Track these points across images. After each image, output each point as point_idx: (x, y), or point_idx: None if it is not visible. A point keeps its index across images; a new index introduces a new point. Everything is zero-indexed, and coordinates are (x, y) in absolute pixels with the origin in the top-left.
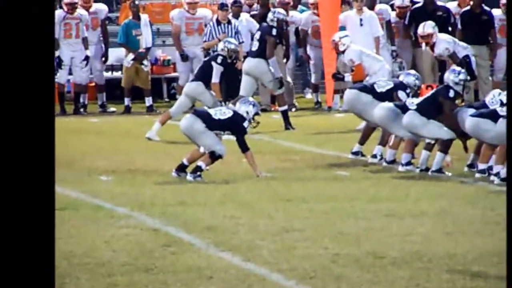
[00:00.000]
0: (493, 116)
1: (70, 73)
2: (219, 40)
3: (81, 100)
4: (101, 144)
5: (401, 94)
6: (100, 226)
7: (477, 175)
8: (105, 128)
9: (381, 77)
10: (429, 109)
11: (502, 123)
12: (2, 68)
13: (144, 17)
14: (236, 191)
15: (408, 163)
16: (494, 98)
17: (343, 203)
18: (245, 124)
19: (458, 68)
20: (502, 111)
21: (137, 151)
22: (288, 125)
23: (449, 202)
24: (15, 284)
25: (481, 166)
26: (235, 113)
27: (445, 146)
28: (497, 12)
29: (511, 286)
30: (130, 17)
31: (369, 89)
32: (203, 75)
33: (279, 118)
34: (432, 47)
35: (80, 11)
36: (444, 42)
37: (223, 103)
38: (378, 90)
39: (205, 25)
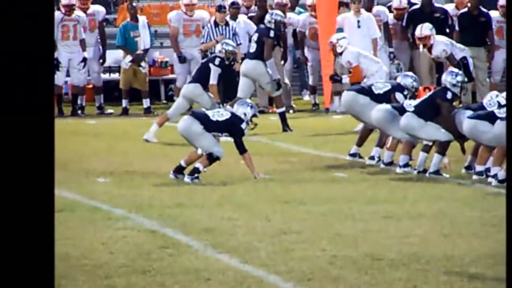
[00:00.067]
0: (491, 118)
1: (68, 75)
2: (217, 42)
3: (79, 101)
4: (99, 146)
5: (398, 96)
6: (97, 228)
7: (475, 177)
8: (102, 130)
9: (379, 79)
10: (426, 111)
11: (499, 125)
12: (2, 69)
13: (142, 19)
14: (233, 193)
15: (406, 165)
16: (492, 100)
17: (341, 205)
18: (243, 126)
19: (456, 70)
20: (500, 113)
21: (135, 153)
22: (285, 127)
23: (446, 204)
24: (15, 285)
25: (479, 168)
26: (233, 114)
27: (442, 148)
28: (495, 14)
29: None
30: (128, 19)
31: (367, 91)
32: (201, 77)
33: (277, 120)
34: (429, 49)
35: (77, 13)
36: (442, 44)
37: (221, 105)
38: (376, 92)
39: (203, 27)
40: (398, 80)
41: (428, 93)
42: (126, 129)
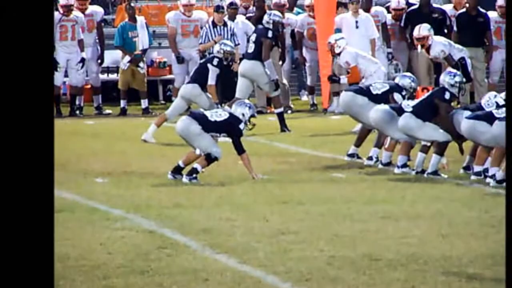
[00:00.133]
0: (489, 118)
1: (66, 75)
2: (215, 42)
3: (77, 102)
4: (97, 146)
5: (396, 96)
6: (95, 228)
7: (473, 177)
8: (101, 130)
9: (377, 79)
10: (425, 112)
11: (497, 125)
12: (1, 69)
13: (141, 19)
14: (232, 193)
15: (404, 165)
16: (490, 100)
17: (339, 205)
18: (241, 126)
19: (454, 70)
20: (498, 113)
21: (133, 153)
22: (284, 127)
23: (445, 204)
24: (15, 286)
25: (477, 168)
26: (231, 115)
27: (440, 148)
28: (493, 15)
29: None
30: (126, 20)
31: (365, 91)
32: (199, 77)
33: (275, 120)
34: (427, 49)
35: (75, 13)
36: (440, 45)
37: (219, 106)
38: (374, 92)
39: (201, 28)
40: (396, 80)
41: (426, 94)
42: (124, 130)
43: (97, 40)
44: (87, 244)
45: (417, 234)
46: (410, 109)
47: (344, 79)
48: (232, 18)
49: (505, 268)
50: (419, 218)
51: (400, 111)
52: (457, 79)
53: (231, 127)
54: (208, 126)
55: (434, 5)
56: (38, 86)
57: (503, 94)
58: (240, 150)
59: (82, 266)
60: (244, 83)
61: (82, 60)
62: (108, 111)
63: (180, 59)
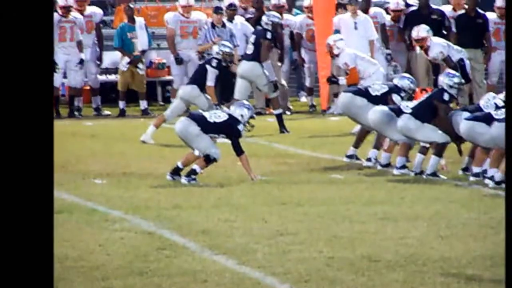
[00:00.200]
0: (488, 119)
1: (65, 77)
2: (214, 44)
3: (76, 103)
4: (96, 148)
5: (395, 97)
6: (94, 230)
7: (472, 178)
8: (99, 132)
9: (376, 81)
10: (423, 113)
11: (496, 127)
12: (1, 70)
13: (140, 20)
14: (230, 195)
15: (403, 167)
16: (489, 101)
17: (338, 206)
18: (240, 127)
19: (453, 72)
20: (497, 114)
21: (132, 154)
22: (283, 128)
23: (443, 206)
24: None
25: (476, 169)
26: (230, 116)
27: (439, 150)
28: (492, 16)
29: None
30: (125, 21)
31: (364, 93)
32: (198, 79)
33: (274, 121)
34: (426, 50)
35: (74, 15)
36: (438, 46)
37: (218, 107)
38: (373, 93)
39: (200, 29)
40: (395, 81)
41: (425, 95)
42: (123, 131)
43: (96, 41)
44: (86, 245)
45: (416, 235)
46: (409, 111)
47: (343, 80)
48: (231, 19)
49: (505, 268)
50: (418, 219)
51: (399, 112)
52: (456, 80)
53: (230, 128)
54: (207, 127)
55: (433, 6)
56: (38, 88)
57: (501, 95)
58: (239, 151)
59: (81, 267)
60: (243, 84)
61: (81, 61)
62: (107, 112)
63: (179, 60)
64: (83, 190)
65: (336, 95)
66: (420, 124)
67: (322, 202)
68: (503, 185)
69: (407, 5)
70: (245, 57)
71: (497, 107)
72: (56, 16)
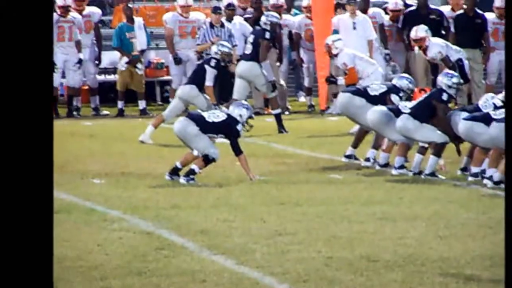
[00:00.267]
0: (486, 119)
1: (63, 76)
2: (212, 44)
3: (74, 103)
4: (94, 147)
5: (394, 97)
6: (93, 229)
7: (470, 178)
8: (98, 131)
9: (374, 81)
10: (422, 113)
11: (495, 127)
12: (1, 71)
13: (138, 20)
14: (229, 195)
15: (401, 167)
16: (487, 101)
17: (337, 206)
18: (239, 127)
19: (451, 72)
20: (495, 114)
21: (130, 154)
22: (281, 128)
23: (442, 206)
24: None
25: (474, 169)
26: (229, 116)
27: (438, 150)
28: (491, 16)
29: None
30: (124, 21)
31: (362, 93)
32: (197, 79)
33: (273, 122)
34: (424, 50)
35: (73, 14)
36: (437, 46)
37: (216, 107)
38: (371, 93)
39: (198, 29)
40: (394, 81)
41: (424, 95)
42: (122, 131)
43: (95, 41)
44: (85, 245)
45: (414, 235)
46: (408, 111)
47: (341, 80)
48: (230, 19)
49: (505, 268)
50: (416, 219)
51: (397, 112)
52: (455, 80)
53: (228, 128)
54: (206, 127)
55: (432, 6)
56: (37, 88)
57: (500, 96)
58: (237, 151)
59: (79, 267)
60: (241, 84)
61: (80, 61)
62: (105, 112)
63: (178, 60)
64: (81, 190)
65: (335, 95)
66: (419, 124)
67: (320, 202)
68: (502, 185)
69: (406, 5)
70: (244, 57)
71: (496, 107)
72: (54, 16)
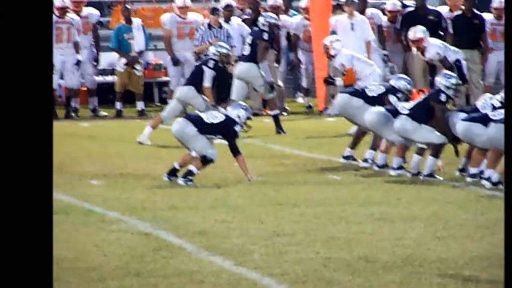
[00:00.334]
0: (484, 120)
1: (62, 78)
2: (211, 45)
3: (73, 104)
4: (92, 148)
5: (392, 98)
6: (91, 230)
7: (469, 179)
8: (96, 133)
9: (372, 82)
10: (420, 114)
11: (493, 128)
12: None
13: (137, 21)
14: (227, 195)
15: (400, 168)
16: (486, 102)
17: (335, 207)
18: (237, 128)
19: (450, 73)
20: (494, 115)
21: (129, 155)
22: (279, 129)
23: (440, 206)
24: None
25: (473, 170)
26: (227, 117)
27: (436, 151)
28: (488, 17)
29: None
30: (122, 22)
31: (360, 94)
32: (195, 80)
33: (271, 122)
34: (422, 51)
35: (71, 16)
36: (435, 47)
37: (215, 107)
38: (369, 94)
39: (196, 30)
40: (392, 82)
41: (422, 96)
42: (120, 132)
43: (93, 42)
44: (83, 246)
45: (412, 236)
46: (406, 112)
47: (339, 81)
48: (228, 20)
49: (504, 269)
50: (414, 220)
51: (395, 113)
52: (453, 81)
53: (226, 129)
54: (204, 128)
55: (430, 7)
56: (37, 89)
57: (498, 96)
58: (235, 152)
59: (78, 268)
60: (239, 85)
61: (78, 62)
62: (103, 113)
63: (176, 61)
64: (79, 191)
65: (333, 96)
66: (417, 125)
67: (318, 203)
68: (500, 186)
69: (404, 6)
70: (242, 58)
71: (494, 108)
72: (53, 17)
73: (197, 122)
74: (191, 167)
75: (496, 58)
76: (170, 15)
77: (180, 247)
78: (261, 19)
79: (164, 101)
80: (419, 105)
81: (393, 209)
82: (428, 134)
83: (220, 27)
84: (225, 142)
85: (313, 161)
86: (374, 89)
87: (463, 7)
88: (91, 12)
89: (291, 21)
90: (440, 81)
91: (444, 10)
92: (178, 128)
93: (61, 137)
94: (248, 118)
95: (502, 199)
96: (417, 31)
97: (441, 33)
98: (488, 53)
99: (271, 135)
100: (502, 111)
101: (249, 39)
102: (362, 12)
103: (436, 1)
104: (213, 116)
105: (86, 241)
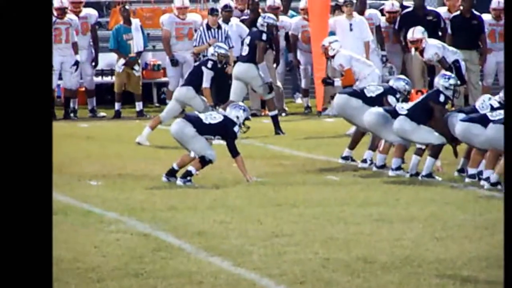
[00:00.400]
0: (483, 121)
1: (60, 78)
2: (209, 45)
3: (71, 105)
4: (91, 149)
5: (391, 99)
6: (90, 231)
7: (467, 180)
8: (95, 133)
9: (371, 82)
10: (419, 114)
11: (492, 128)
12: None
13: (136, 22)
14: (226, 196)
15: (398, 168)
16: (484, 102)
17: (333, 207)
18: (236, 128)
19: (448, 73)
20: (492, 116)
21: (127, 156)
22: (278, 130)
23: (439, 207)
24: None
25: (471, 171)
26: (226, 117)
27: (435, 151)
28: (487, 17)
29: None
30: (121, 22)
31: (359, 94)
32: (194, 80)
33: (269, 123)
34: (421, 52)
35: (70, 16)
36: (433, 47)
37: (213, 108)
38: (368, 95)
39: (195, 30)
40: (391, 83)
41: (421, 96)
42: (119, 132)
43: (92, 43)
44: (81, 247)
45: (411, 236)
46: (405, 112)
47: (338, 82)
48: (227, 20)
49: (504, 270)
50: (413, 220)
51: (394, 113)
52: (452, 81)
53: (225, 130)
54: (203, 128)
55: (428, 7)
56: (36, 90)
57: (497, 97)
58: (234, 152)
59: (76, 269)
60: (238, 85)
61: (77, 63)
62: (102, 114)
63: (174, 62)
64: (78, 191)
65: (332, 96)
66: (416, 125)
67: (317, 203)
68: (499, 187)
69: (403, 7)
70: (241, 58)
71: (493, 109)
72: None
73: (196, 122)
74: (190, 168)
75: (495, 58)
76: (168, 15)
77: (179, 247)
78: (260, 20)
79: (163, 102)
80: (418, 106)
81: (391, 210)
82: (427, 134)
83: (219, 27)
84: (224, 142)
85: (312, 161)
86: (373, 89)
87: (461, 7)
88: (89, 12)
89: (290, 22)
90: (438, 81)
91: (442, 10)
92: (177, 128)
93: (59, 138)
94: (247, 119)
95: (501, 199)
96: (415, 32)
97: (440, 33)
98: (487, 53)
99: (270, 136)
100: (501, 111)
101: (247, 40)
102: (361, 12)
103: (434, 2)
104: (212, 117)
105: (85, 241)
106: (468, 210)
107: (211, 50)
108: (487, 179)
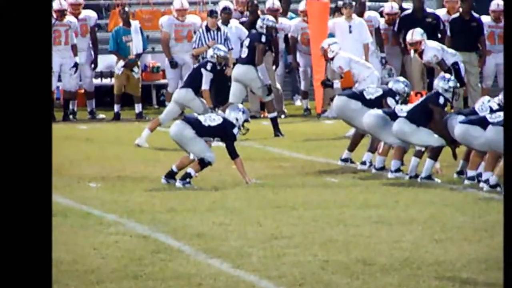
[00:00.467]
0: (483, 123)
1: (60, 80)
2: (208, 47)
3: (71, 107)
4: (91, 151)
5: (390, 101)
6: (89, 233)
7: (466, 182)
8: (94, 135)
9: (370, 84)
10: (419, 116)
11: (491, 130)
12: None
13: (135, 24)
14: (225, 198)
15: (398, 170)
16: (484, 105)
17: (333, 210)
18: (235, 131)
19: (448, 75)
20: (492, 118)
21: (127, 158)
22: (277, 132)
23: (438, 209)
24: None
25: (470, 173)
26: (225, 119)
27: (434, 153)
28: (486, 19)
29: None
30: (120, 24)
31: (358, 96)
32: (193, 82)
33: (269, 125)
34: (420, 54)
35: (69, 18)
36: (433, 49)
37: (213, 110)
38: (367, 97)
39: (194, 32)
40: (390, 85)
41: (420, 99)
42: (118, 134)
43: (91, 45)
44: (81, 249)
45: (410, 238)
46: (404, 114)
47: (337, 84)
48: (226, 22)
49: (503, 271)
50: (412, 222)
51: (393, 115)
52: (451, 84)
53: (224, 132)
54: (202, 130)
55: (428, 9)
56: (36, 92)
57: (496, 99)
58: (233, 154)
59: (76, 270)
60: (237, 87)
61: (76, 65)
62: (101, 115)
63: (174, 64)
64: (77, 193)
65: (331, 98)
66: (415, 127)
67: (316, 205)
68: (498, 189)
69: (402, 9)
70: (240, 60)
71: (492, 111)
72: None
73: (195, 124)
74: (189, 170)
75: (494, 60)
76: (168, 17)
77: (178, 249)
78: (259, 22)
79: (162, 104)
80: (417, 108)
81: (391, 212)
82: (426, 136)
83: (218, 29)
84: (223, 144)
85: (311, 163)
86: (372, 91)
87: (461, 9)
88: (89, 14)
89: (289, 24)
90: (438, 83)
91: (442, 12)
92: (176, 130)
93: (59, 140)
94: (246, 121)
95: (500, 201)
96: (415, 34)
97: (439, 35)
98: (486, 55)
99: (269, 138)
100: (500, 113)
101: (247, 42)
102: (360, 14)
103: (434, 4)
104: (211, 119)
105: (84, 243)
106: (467, 212)
107: (210, 52)
108: (487, 181)
